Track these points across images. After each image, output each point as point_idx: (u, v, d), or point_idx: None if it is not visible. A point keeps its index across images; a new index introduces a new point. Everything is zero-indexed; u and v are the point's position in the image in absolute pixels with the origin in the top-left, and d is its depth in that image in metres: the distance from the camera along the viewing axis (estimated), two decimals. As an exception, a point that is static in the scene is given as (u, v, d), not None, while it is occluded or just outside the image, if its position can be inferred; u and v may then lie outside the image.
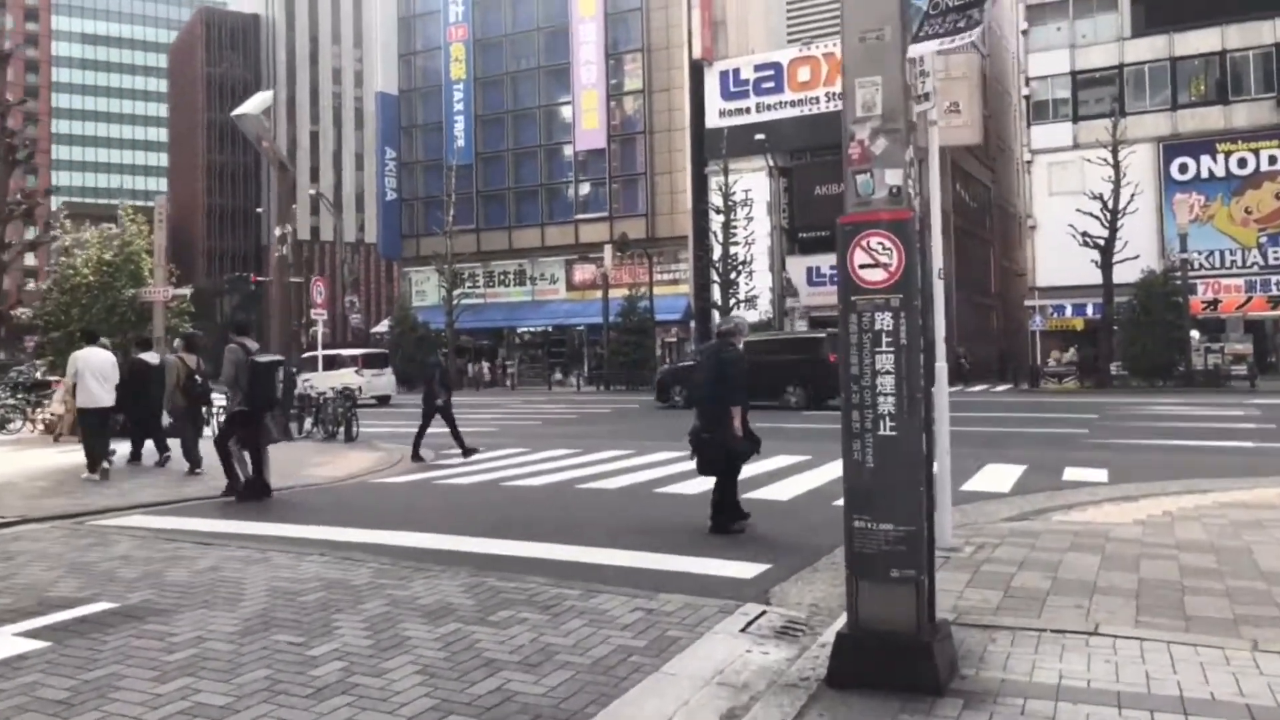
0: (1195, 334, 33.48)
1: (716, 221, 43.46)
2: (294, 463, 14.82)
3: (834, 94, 44.90)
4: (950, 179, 49.23)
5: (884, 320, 4.09)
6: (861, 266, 4.15)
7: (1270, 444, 14.89)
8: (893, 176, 4.18)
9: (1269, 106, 37.82)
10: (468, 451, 14.71)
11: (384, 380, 34.20)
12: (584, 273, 50.62)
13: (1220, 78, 38.98)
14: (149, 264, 21.88)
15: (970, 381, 41.42)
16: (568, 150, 52.49)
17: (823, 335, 24.72)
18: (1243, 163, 37.98)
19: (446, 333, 48.14)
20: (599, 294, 43.56)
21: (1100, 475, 11.55)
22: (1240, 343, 35.10)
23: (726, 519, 8.08)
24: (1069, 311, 39.97)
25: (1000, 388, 36.15)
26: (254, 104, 19.89)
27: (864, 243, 4.15)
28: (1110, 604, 5.20)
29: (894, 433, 4.03)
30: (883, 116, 4.21)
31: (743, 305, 45.40)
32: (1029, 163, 42.57)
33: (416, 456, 14.61)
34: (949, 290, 42.59)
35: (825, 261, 44.51)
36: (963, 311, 49.37)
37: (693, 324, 47.73)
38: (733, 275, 43.11)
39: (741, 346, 8.45)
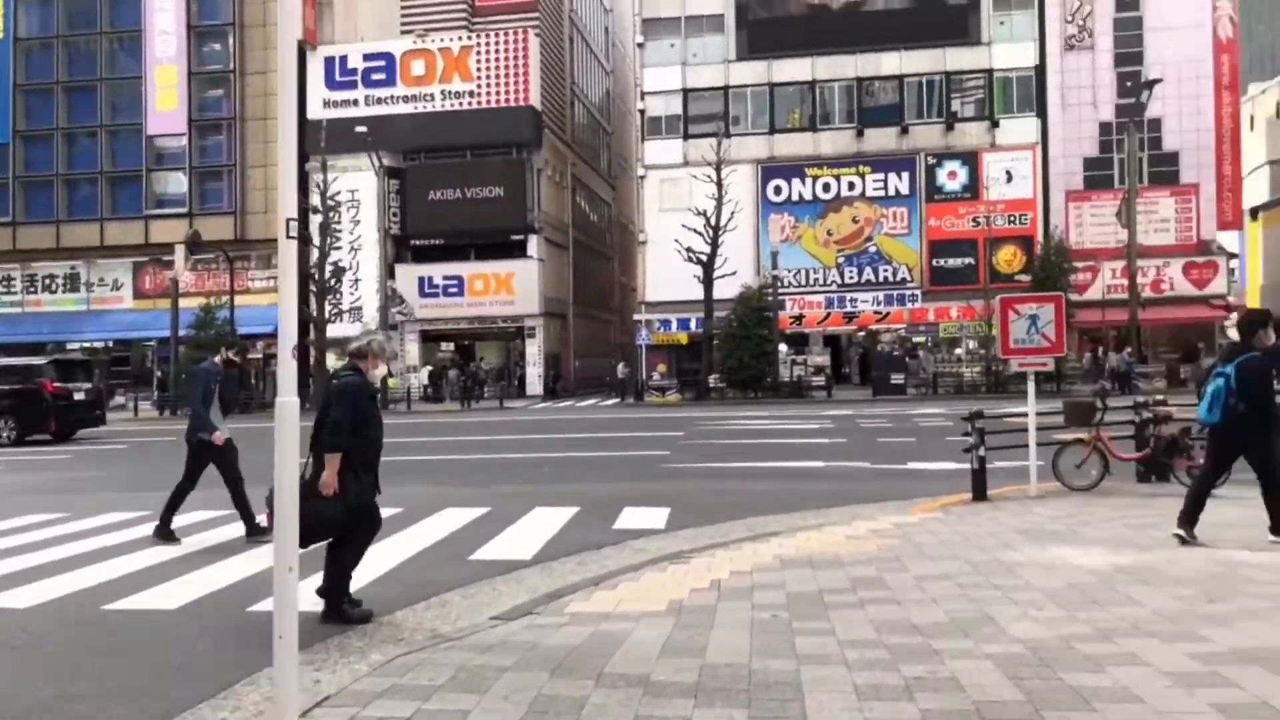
0: (784, 348, 34.74)
1: (316, 222, 38.60)
2: None
3: (451, 91, 42.08)
4: (572, 194, 48.43)
5: None
6: None
7: (838, 462, 13.95)
8: None
9: (850, 136, 40.75)
10: (256, 531, 8.56)
11: None
12: (157, 278, 42.95)
13: (811, 106, 41.45)
14: None
15: (581, 396, 40.44)
16: (139, 133, 44.43)
17: (41, 363, 24.00)
18: (827, 187, 40.56)
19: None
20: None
21: (660, 518, 9.35)
22: (820, 356, 37.19)
23: (341, 601, 5.86)
24: (674, 326, 40.26)
25: (608, 402, 35.19)
26: None
27: None
28: None
29: None
30: None
31: (345, 316, 40.93)
32: (642, 178, 42.54)
33: (164, 533, 8.57)
34: (568, 305, 41.01)
35: (440, 271, 41.45)
36: (584, 326, 48.71)
37: (291, 337, 42.10)
38: (333, 283, 38.49)
39: (380, 371, 6.20)
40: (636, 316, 40.10)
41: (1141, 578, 5.82)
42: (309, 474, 5.76)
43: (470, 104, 41.90)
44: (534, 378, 41.08)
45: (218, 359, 9.05)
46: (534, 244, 41.32)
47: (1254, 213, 47.74)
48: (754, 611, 5.42)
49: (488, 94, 41.68)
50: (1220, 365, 6.90)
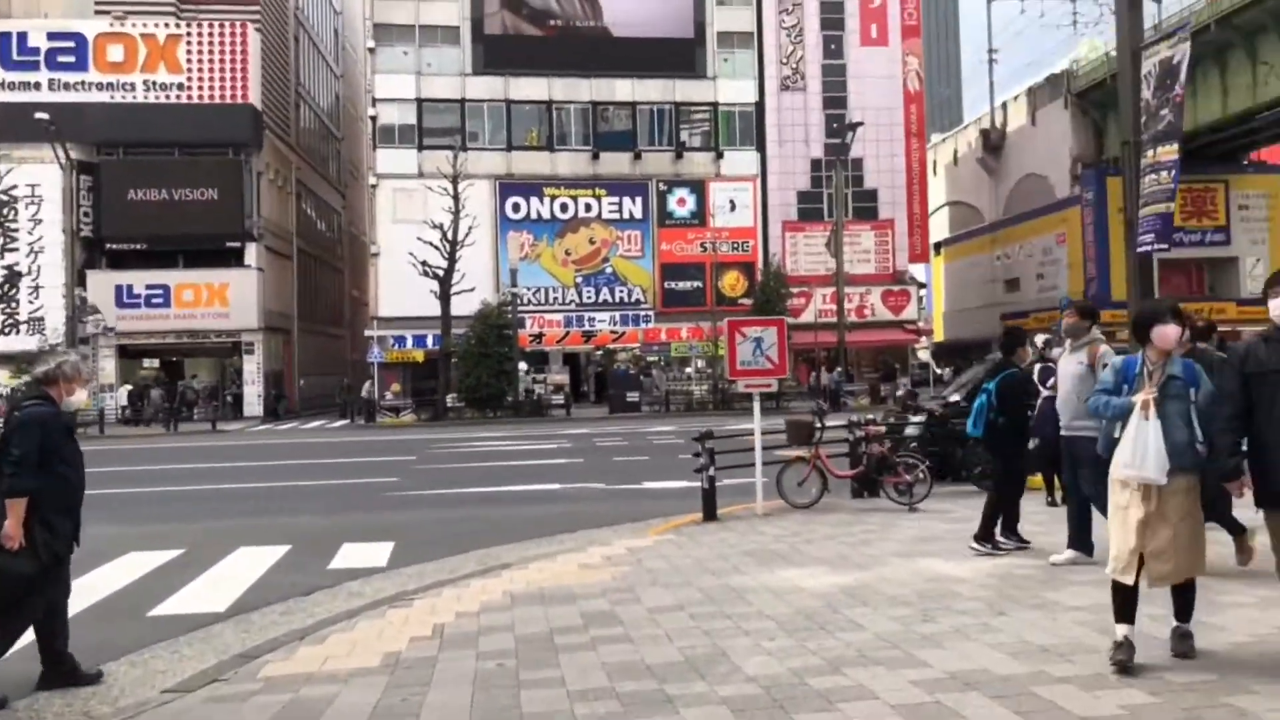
0: (523, 366, 34.44)
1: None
2: None
3: (156, 83, 38.24)
4: (298, 200, 45.55)
5: None
6: None
7: (575, 484, 13.75)
8: None
9: (586, 158, 41.32)
10: None
11: None
12: None
13: (549, 126, 41.60)
14: None
15: (307, 417, 37.88)
16: None
17: None
18: (564, 207, 40.86)
19: None
20: None
21: (383, 554, 8.62)
22: (559, 374, 37.27)
23: None
24: (410, 343, 38.79)
25: (336, 424, 33.19)
26: None
27: None
28: None
29: None
30: None
31: (23, 328, 35.86)
32: (374, 187, 40.73)
33: None
34: (292, 319, 38.42)
35: (142, 279, 37.36)
36: (310, 343, 45.80)
37: (-55, 353, 36.28)
38: (7, 289, 33.59)
39: (78, 398, 5.29)
40: (368, 332, 38.14)
41: (862, 598, 5.95)
42: None
43: (179, 98, 38.26)
44: (253, 398, 37.95)
45: None
46: (252, 252, 38.31)
47: (937, 247, 53.82)
48: (479, 661, 4.95)
49: (200, 88, 38.28)
50: (985, 382, 7.61)
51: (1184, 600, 4.43)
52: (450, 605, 6.32)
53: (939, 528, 8.38)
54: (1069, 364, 6.80)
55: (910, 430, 11.42)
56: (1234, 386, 4.20)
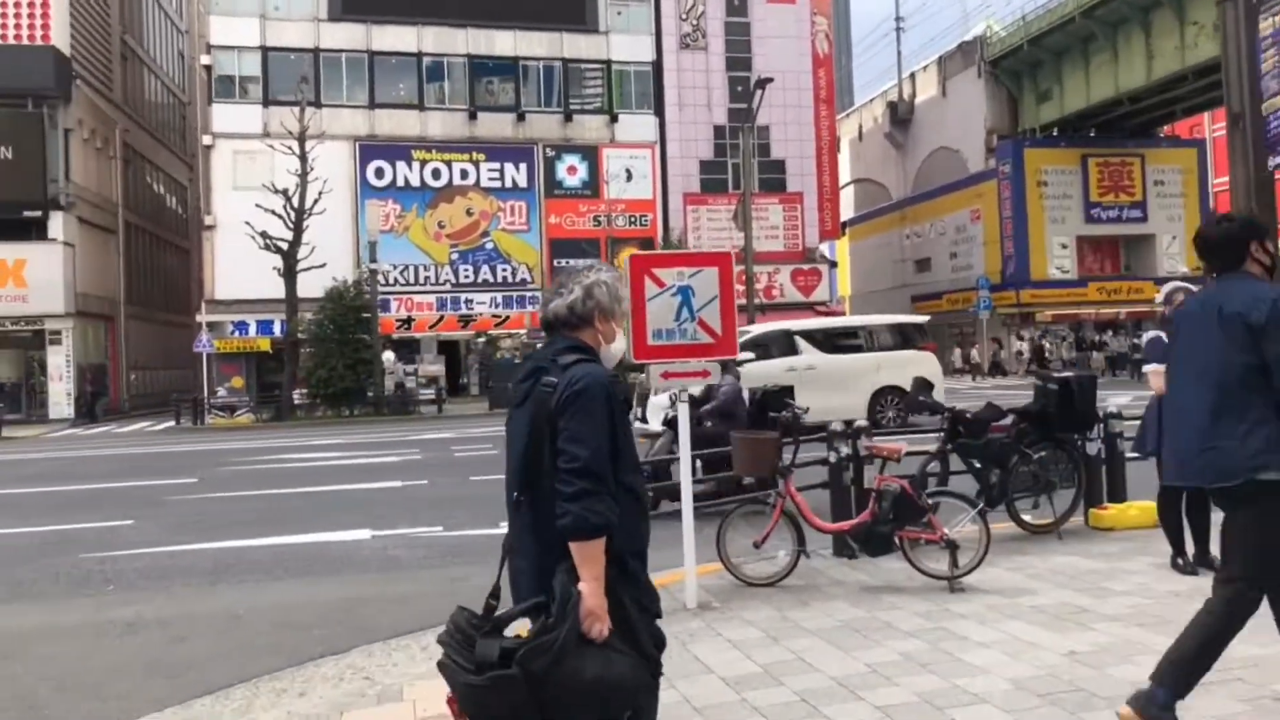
0: (390, 355, 29.38)
1: None
2: None
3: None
4: (125, 167, 39.03)
5: None
6: None
7: (394, 530, 8.95)
8: None
9: (462, 118, 36.32)
10: None
11: None
12: None
13: (418, 81, 36.47)
14: None
15: (131, 418, 31.90)
16: None
17: None
18: (437, 174, 35.76)
19: None
20: None
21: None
22: (434, 364, 32.23)
23: None
24: (253, 329, 33.11)
25: (160, 426, 27.46)
26: None
27: None
28: None
29: None
30: None
31: None
32: (209, 148, 34.94)
33: None
34: (118, 304, 31.87)
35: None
36: (144, 332, 39.50)
37: None
38: None
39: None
40: (199, 317, 32.31)
41: None
42: None
43: (-40, 35, 31.65)
44: (61, 395, 31.75)
45: None
46: (59, 223, 31.98)
47: (843, 227, 50.77)
48: None
49: (-12, 25, 31.76)
50: None
51: None
52: None
53: (1034, 640, 4.26)
54: None
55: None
56: None
